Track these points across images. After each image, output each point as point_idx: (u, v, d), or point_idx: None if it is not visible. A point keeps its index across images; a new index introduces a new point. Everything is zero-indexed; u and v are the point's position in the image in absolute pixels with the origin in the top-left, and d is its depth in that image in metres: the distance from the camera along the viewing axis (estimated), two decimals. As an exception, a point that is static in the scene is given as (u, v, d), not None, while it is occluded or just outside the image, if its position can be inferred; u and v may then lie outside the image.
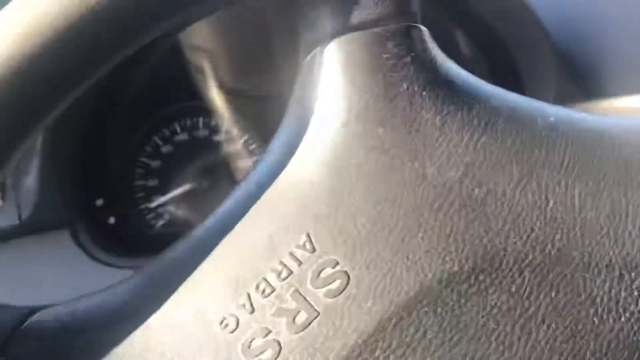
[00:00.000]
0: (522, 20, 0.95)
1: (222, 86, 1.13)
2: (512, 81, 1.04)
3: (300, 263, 0.32)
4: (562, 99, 0.98)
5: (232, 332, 0.32)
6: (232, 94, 1.13)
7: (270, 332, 0.30)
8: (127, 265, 0.93)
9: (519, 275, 0.28)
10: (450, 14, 1.01)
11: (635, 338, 0.27)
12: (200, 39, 1.05)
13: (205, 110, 1.11)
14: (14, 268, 0.92)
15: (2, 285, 0.91)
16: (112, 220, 0.99)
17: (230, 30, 1.04)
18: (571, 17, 1.01)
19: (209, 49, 1.06)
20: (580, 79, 0.99)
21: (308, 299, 0.30)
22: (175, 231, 1.06)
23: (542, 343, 0.27)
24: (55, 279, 0.92)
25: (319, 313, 0.30)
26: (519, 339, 0.27)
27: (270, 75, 1.15)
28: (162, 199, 1.09)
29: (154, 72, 1.02)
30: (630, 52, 0.95)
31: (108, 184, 1.01)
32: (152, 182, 1.10)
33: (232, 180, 1.12)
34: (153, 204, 1.08)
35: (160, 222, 1.09)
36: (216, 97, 1.13)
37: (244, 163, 1.13)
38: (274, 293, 0.32)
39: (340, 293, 0.30)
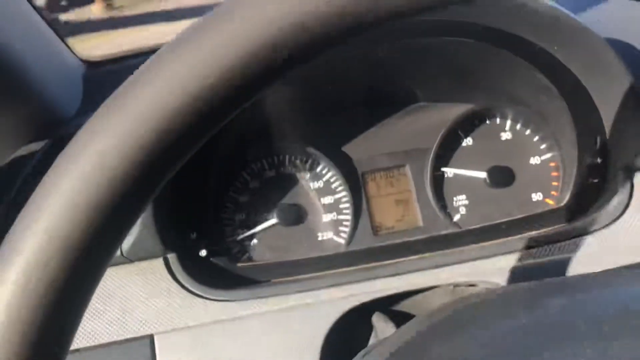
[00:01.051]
0: (611, 75, 0.93)
1: (306, 127, 1.17)
2: (595, 129, 1.01)
3: None
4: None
5: None
6: (314, 135, 1.17)
7: None
8: (214, 297, 0.97)
9: None
10: (541, 67, 1.00)
11: None
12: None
13: (291, 149, 1.15)
14: (111, 291, 0.99)
15: (102, 305, 0.98)
16: (203, 252, 1.04)
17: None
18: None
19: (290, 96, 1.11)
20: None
21: None
22: (258, 265, 1.09)
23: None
24: (147, 304, 0.97)
25: None
26: None
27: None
28: (248, 232, 1.13)
29: (247, 113, 1.08)
30: None
31: (201, 218, 1.07)
32: (240, 216, 1.15)
33: (314, 218, 1.14)
34: (240, 237, 1.13)
35: (246, 255, 1.13)
36: (299, 137, 1.17)
37: (327, 200, 1.15)
38: None
39: None
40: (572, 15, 0.90)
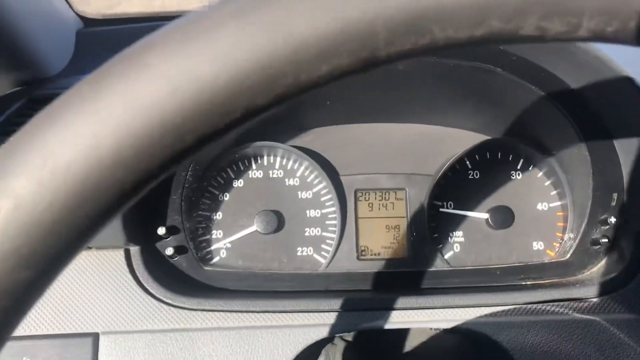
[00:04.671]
0: (633, 111, 0.84)
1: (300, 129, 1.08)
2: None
3: None
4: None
5: None
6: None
7: None
8: (174, 302, 0.88)
9: None
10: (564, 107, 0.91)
11: None
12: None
13: (284, 151, 1.06)
14: (63, 277, 0.90)
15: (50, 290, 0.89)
16: (169, 250, 0.95)
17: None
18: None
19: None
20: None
21: None
22: (227, 272, 1.00)
23: None
24: (99, 298, 0.88)
25: None
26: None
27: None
28: (223, 235, 1.04)
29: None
30: None
31: (173, 212, 0.98)
32: (217, 216, 1.05)
33: (296, 230, 1.05)
34: (212, 238, 1.04)
35: (216, 259, 1.04)
36: (297, 141, 1.08)
37: (313, 213, 1.06)
38: None
39: None
40: (616, 61, 0.81)
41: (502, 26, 0.29)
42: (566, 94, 0.89)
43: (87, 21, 1.22)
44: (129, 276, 0.90)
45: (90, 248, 0.91)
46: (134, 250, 0.91)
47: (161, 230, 0.94)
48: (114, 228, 0.87)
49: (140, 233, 0.92)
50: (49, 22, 1.08)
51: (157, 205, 0.96)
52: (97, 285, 0.89)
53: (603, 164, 0.95)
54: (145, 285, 0.89)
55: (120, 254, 0.91)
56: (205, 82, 0.28)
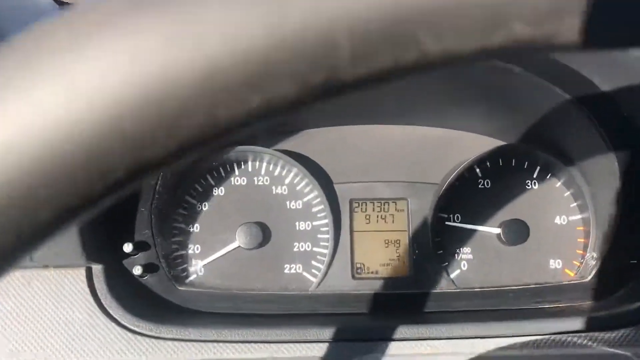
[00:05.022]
0: None
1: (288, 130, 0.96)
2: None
3: None
4: None
5: None
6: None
7: None
8: (141, 329, 0.77)
9: None
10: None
11: None
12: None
13: (271, 157, 0.94)
14: (19, 298, 0.79)
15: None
16: (137, 270, 0.83)
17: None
18: None
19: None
20: None
21: None
22: (204, 293, 0.89)
23: None
24: (54, 323, 0.77)
25: None
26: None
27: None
28: (206, 257, 0.92)
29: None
30: None
31: (142, 226, 0.86)
32: (194, 228, 0.94)
33: (283, 244, 0.94)
34: (188, 254, 0.92)
35: (192, 278, 0.92)
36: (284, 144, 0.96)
37: (303, 225, 0.95)
38: None
39: None
40: None
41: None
42: (594, 98, 0.77)
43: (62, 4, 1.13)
44: (90, 298, 0.78)
45: (46, 267, 0.79)
46: (97, 269, 0.80)
47: (127, 247, 0.83)
48: (74, 243, 0.76)
49: (104, 249, 0.81)
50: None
51: (124, 218, 0.85)
52: (52, 309, 0.78)
53: (637, 175, 0.83)
54: (108, 309, 0.78)
55: (81, 273, 0.79)
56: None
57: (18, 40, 0.22)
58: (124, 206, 0.84)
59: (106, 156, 0.20)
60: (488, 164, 0.96)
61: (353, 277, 0.93)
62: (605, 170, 0.87)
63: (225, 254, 0.92)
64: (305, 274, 0.93)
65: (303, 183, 0.95)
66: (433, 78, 0.83)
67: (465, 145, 0.96)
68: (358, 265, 0.94)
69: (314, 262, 0.94)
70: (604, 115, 0.80)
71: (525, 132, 0.93)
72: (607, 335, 0.78)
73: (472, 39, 0.20)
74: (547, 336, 0.78)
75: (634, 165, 0.83)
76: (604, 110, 0.79)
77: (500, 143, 0.95)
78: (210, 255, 0.92)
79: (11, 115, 0.21)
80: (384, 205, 0.95)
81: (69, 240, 0.76)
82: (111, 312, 0.78)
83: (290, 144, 0.97)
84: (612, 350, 0.77)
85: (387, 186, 0.95)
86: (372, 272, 0.94)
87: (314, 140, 0.97)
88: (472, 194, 0.96)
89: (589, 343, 0.77)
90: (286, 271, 0.93)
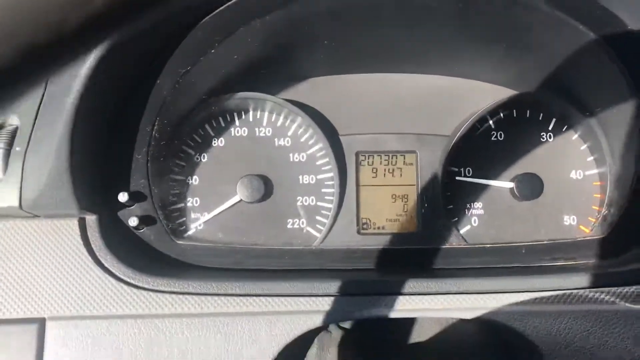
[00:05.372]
0: None
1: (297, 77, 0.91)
2: None
3: None
4: None
5: None
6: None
7: None
8: (138, 282, 0.73)
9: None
10: None
11: None
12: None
13: (274, 105, 0.89)
14: (6, 250, 0.75)
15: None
16: (133, 221, 0.79)
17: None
18: None
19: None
20: None
21: None
22: (205, 247, 0.85)
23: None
24: (47, 276, 0.74)
25: None
26: None
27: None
28: (206, 210, 0.88)
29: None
30: None
31: (138, 175, 0.82)
32: (193, 180, 0.89)
33: (286, 198, 0.89)
34: (188, 206, 0.88)
35: (191, 232, 0.88)
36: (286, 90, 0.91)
37: (307, 179, 0.91)
38: None
39: None
40: None
41: None
42: (621, 37, 0.72)
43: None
44: (84, 250, 0.74)
45: (37, 216, 0.75)
46: (90, 219, 0.76)
47: (123, 197, 0.78)
48: (66, 191, 0.71)
49: (98, 199, 0.77)
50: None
51: (119, 165, 0.80)
52: (44, 261, 0.74)
53: None
54: (103, 261, 0.74)
55: (73, 224, 0.75)
56: None
57: None
58: (118, 153, 0.80)
59: None
60: (501, 114, 0.91)
61: (359, 232, 0.89)
62: (627, 121, 0.82)
63: (227, 208, 0.88)
64: (309, 228, 0.90)
65: (307, 134, 0.91)
66: (448, 17, 0.78)
67: (477, 95, 0.91)
68: (364, 221, 0.90)
69: (318, 217, 0.90)
70: (630, 58, 0.75)
71: (543, 79, 0.88)
72: (624, 290, 0.74)
73: None
74: (561, 292, 0.74)
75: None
76: (631, 53, 0.74)
77: (515, 92, 0.90)
78: (210, 209, 0.88)
79: None
80: (392, 158, 0.91)
81: (60, 188, 0.72)
82: (106, 264, 0.74)
83: (294, 92, 0.92)
84: (628, 306, 0.74)
85: (396, 138, 0.91)
86: (378, 228, 0.90)
87: (319, 89, 0.92)
88: (484, 147, 0.91)
89: (604, 298, 0.74)
90: (289, 226, 0.90)
